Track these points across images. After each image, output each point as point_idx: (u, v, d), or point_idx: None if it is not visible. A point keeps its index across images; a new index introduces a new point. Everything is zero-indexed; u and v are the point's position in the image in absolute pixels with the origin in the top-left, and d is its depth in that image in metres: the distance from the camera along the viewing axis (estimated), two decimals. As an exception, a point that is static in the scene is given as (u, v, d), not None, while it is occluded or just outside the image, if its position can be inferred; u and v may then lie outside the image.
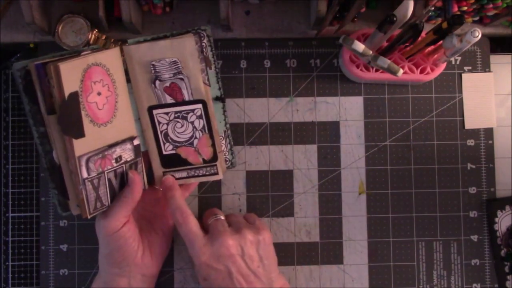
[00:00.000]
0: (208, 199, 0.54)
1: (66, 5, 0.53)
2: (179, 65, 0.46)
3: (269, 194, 0.54)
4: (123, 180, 0.46)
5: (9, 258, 0.54)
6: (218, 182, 0.54)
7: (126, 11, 0.48)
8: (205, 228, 0.48)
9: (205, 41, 0.47)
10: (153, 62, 0.46)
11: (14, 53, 0.56)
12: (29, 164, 0.54)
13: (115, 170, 0.45)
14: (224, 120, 0.50)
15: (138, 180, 0.45)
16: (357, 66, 0.52)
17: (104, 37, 0.53)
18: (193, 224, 0.46)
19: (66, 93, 0.40)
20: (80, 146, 0.42)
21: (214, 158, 0.49)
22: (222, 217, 0.49)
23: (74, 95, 0.41)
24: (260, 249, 0.47)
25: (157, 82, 0.47)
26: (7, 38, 0.54)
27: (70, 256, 0.53)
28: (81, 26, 0.52)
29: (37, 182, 0.54)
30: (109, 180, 0.45)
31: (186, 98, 0.47)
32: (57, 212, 0.51)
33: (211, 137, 0.48)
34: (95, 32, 0.52)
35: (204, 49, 0.47)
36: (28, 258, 0.54)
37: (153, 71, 0.46)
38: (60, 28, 0.52)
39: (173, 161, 0.49)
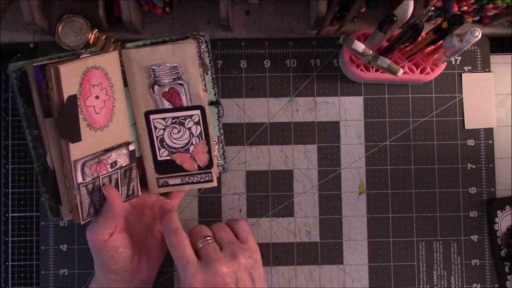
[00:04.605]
0: (208, 199, 0.54)
1: (66, 5, 0.53)
2: (179, 71, 0.46)
3: (269, 194, 0.54)
4: (117, 186, 0.46)
5: (9, 258, 0.54)
6: (218, 182, 0.54)
7: (126, 11, 0.48)
8: (193, 248, 0.46)
9: (203, 46, 0.47)
10: (153, 67, 0.46)
11: (14, 53, 0.56)
12: (29, 164, 0.54)
13: (109, 176, 0.45)
14: (218, 125, 0.50)
15: (114, 196, 0.44)
16: (357, 66, 0.52)
17: (104, 37, 0.53)
18: (188, 249, 0.44)
19: (65, 96, 0.40)
20: (76, 150, 0.42)
21: (210, 165, 0.49)
22: (212, 240, 0.46)
23: (73, 98, 0.41)
24: (252, 272, 0.46)
25: (156, 87, 0.46)
26: (7, 38, 0.54)
27: (70, 256, 0.53)
28: (81, 26, 0.52)
29: (37, 182, 0.54)
30: (104, 185, 0.45)
31: (185, 103, 0.47)
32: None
33: (208, 143, 0.48)
34: (95, 32, 0.52)
35: (202, 55, 0.47)
36: (28, 258, 0.54)
37: (152, 76, 0.46)
38: (60, 28, 0.52)
39: (167, 167, 0.48)
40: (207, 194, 0.54)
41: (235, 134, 0.54)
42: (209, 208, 0.54)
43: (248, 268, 0.46)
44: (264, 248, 0.54)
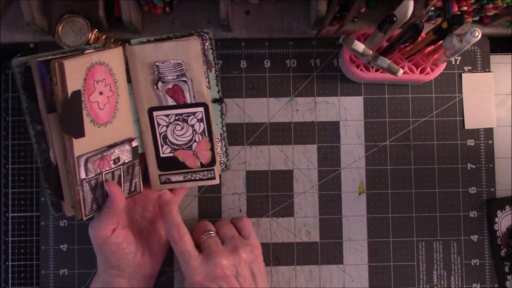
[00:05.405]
0: (208, 199, 0.54)
1: (66, 5, 0.53)
2: (183, 67, 0.46)
3: (269, 194, 0.54)
4: (120, 182, 0.46)
5: (9, 258, 0.54)
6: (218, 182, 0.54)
7: (126, 11, 0.48)
8: (196, 243, 0.47)
9: (207, 43, 0.47)
10: (157, 63, 0.46)
11: (14, 53, 0.56)
12: (29, 164, 0.54)
13: (112, 172, 0.45)
14: (221, 122, 0.50)
15: (116, 192, 0.44)
16: (357, 66, 0.52)
17: (104, 37, 0.53)
18: (189, 243, 0.46)
19: (69, 91, 0.40)
20: (80, 146, 0.42)
21: (212, 162, 0.49)
22: (214, 234, 0.48)
23: (77, 94, 0.41)
24: (253, 267, 0.47)
25: (160, 84, 0.46)
26: (7, 38, 0.54)
27: (70, 256, 0.53)
28: (81, 26, 0.52)
29: (37, 182, 0.54)
30: (107, 181, 0.45)
31: (188, 100, 0.47)
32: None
33: (211, 140, 0.48)
34: (95, 32, 0.52)
35: (206, 52, 0.47)
36: (28, 258, 0.54)
37: (156, 72, 0.46)
38: (60, 28, 0.52)
39: (170, 164, 0.48)
40: (207, 194, 0.54)
41: (235, 134, 0.54)
42: (209, 208, 0.54)
43: (249, 263, 0.46)
44: (264, 248, 0.53)
